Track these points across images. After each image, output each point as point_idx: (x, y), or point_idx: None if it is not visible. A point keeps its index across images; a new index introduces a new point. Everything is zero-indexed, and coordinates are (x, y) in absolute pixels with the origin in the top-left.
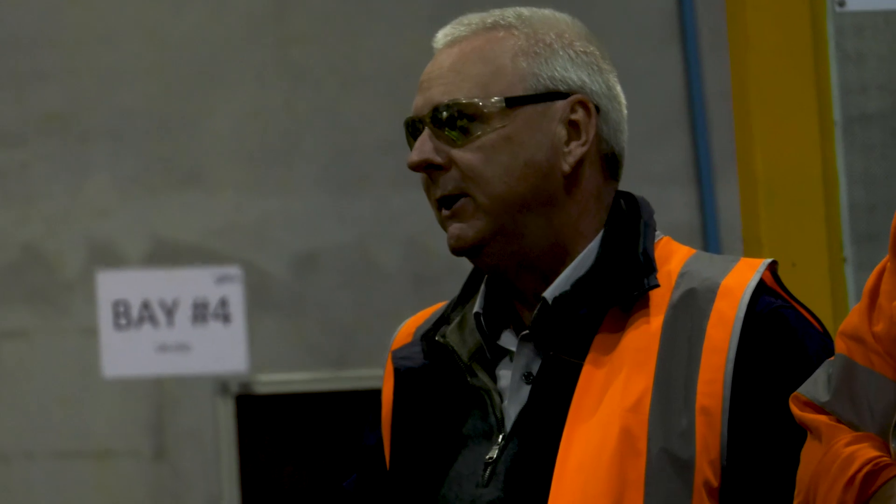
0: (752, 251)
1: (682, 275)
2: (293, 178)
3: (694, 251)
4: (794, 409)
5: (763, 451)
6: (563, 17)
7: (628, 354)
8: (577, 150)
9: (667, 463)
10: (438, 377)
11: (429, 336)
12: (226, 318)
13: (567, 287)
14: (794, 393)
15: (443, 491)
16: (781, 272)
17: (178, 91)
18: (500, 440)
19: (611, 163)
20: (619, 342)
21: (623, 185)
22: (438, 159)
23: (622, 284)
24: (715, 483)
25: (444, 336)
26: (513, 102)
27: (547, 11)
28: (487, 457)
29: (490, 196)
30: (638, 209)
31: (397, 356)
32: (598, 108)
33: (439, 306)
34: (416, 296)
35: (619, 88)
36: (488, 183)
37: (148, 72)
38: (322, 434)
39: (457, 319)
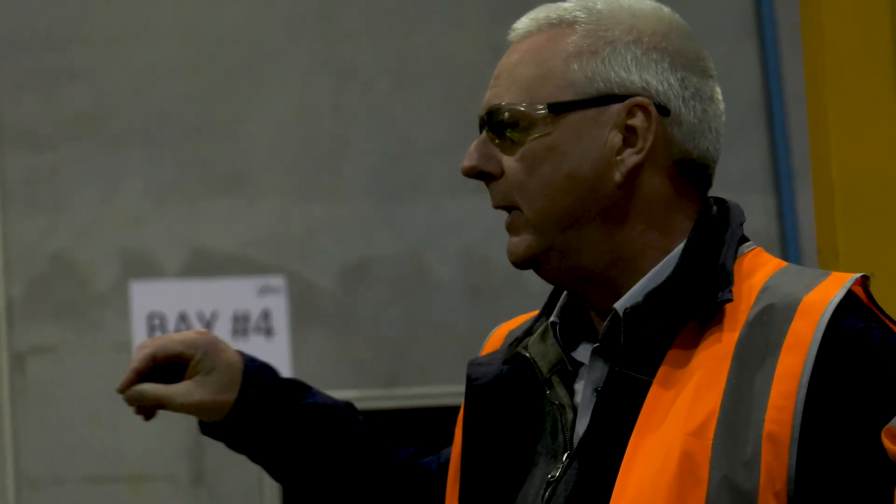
0: (826, 262)
1: (764, 289)
2: (341, 183)
3: (784, 264)
4: (888, 444)
5: (835, 484)
6: (642, 9)
7: (698, 374)
8: (630, 158)
9: (728, 493)
10: (517, 390)
11: (512, 347)
12: (268, 332)
13: (640, 299)
14: (888, 426)
15: None
16: None
17: (217, 91)
18: (564, 459)
19: (689, 169)
20: (691, 360)
21: None
22: (487, 167)
23: (695, 298)
24: None
25: (525, 347)
26: (558, 109)
27: (625, 1)
28: (549, 476)
29: (534, 210)
30: (728, 218)
31: (474, 365)
32: (667, 111)
33: (536, 313)
34: (472, 309)
35: (704, 85)
36: (531, 196)
37: (185, 71)
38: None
39: (539, 330)
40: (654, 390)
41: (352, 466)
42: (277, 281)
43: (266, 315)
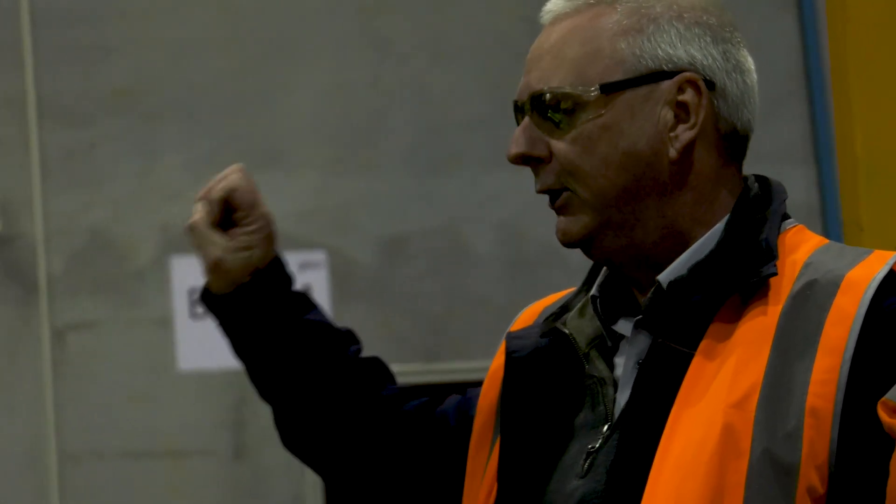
0: (851, 236)
1: (806, 265)
2: (379, 157)
3: (826, 241)
4: (883, 416)
5: (876, 458)
6: None
7: (741, 347)
8: (684, 134)
9: (769, 466)
10: (554, 364)
11: (549, 321)
12: None
13: (683, 271)
14: (883, 399)
15: (547, 482)
16: None
17: (254, 65)
18: (605, 430)
19: (733, 141)
20: (733, 333)
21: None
22: (536, 151)
23: (739, 271)
24: (821, 489)
25: (563, 323)
26: (610, 89)
27: None
28: (590, 446)
29: (591, 190)
30: (770, 194)
31: (512, 338)
32: (713, 85)
33: (571, 291)
34: (510, 283)
35: (742, 56)
36: (587, 176)
37: (222, 45)
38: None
39: (578, 305)
40: (696, 362)
41: (336, 390)
42: (318, 256)
43: (307, 289)
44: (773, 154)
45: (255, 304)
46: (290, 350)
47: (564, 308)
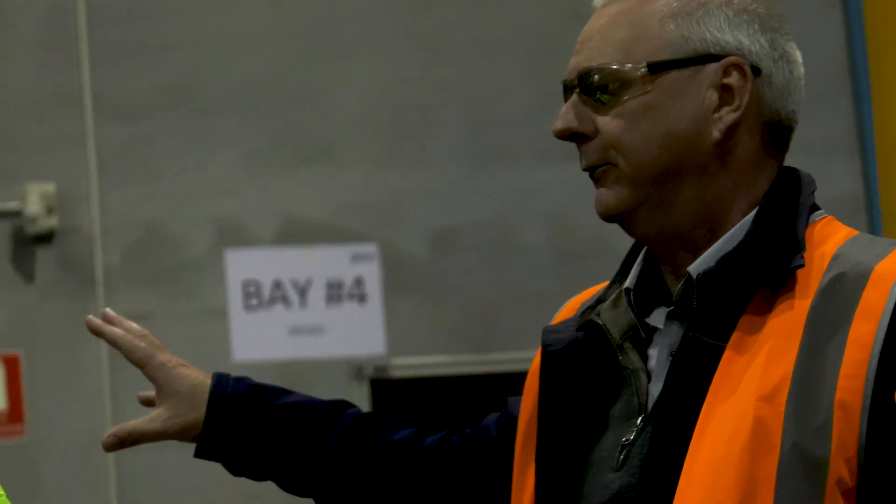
0: (891, 227)
1: (835, 257)
2: (430, 151)
3: (856, 233)
4: None
5: None
6: None
7: (771, 340)
8: (728, 116)
9: (799, 460)
10: (589, 356)
11: (584, 314)
12: (361, 299)
13: (712, 263)
14: None
15: (585, 474)
16: None
17: (306, 61)
18: (639, 422)
19: (775, 130)
20: (763, 326)
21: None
22: (582, 128)
23: (767, 264)
24: (850, 483)
25: (598, 314)
26: (656, 68)
27: None
28: (624, 439)
29: (632, 165)
30: (799, 186)
31: (548, 332)
32: (758, 71)
33: (607, 284)
34: (560, 274)
35: (789, 47)
36: (630, 152)
37: (276, 41)
38: (460, 419)
39: (612, 297)
40: (727, 355)
41: (343, 458)
42: (370, 248)
43: (359, 282)
44: (819, 147)
45: (226, 431)
46: (282, 442)
47: (599, 300)
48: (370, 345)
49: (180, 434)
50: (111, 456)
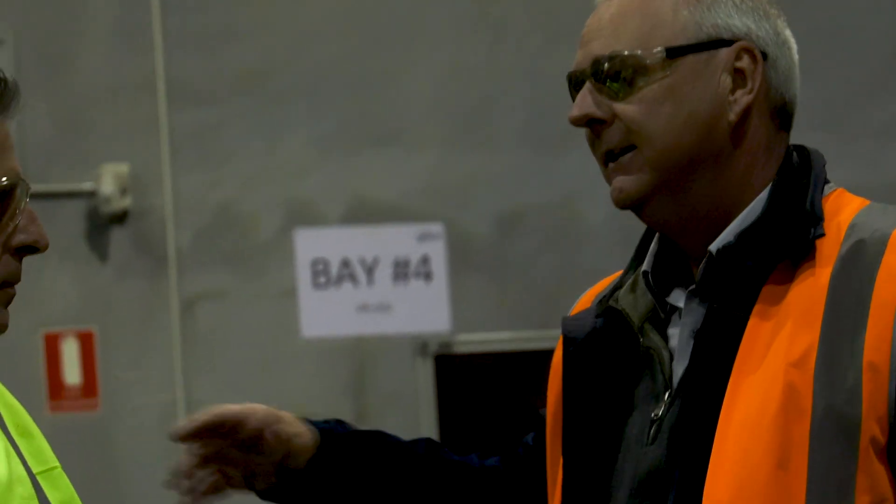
0: None
1: (852, 226)
2: (495, 135)
3: (868, 202)
4: None
5: None
6: None
7: (794, 308)
8: (743, 98)
9: (832, 421)
10: (610, 341)
11: (602, 301)
12: (427, 277)
13: (731, 238)
14: None
15: (612, 452)
16: None
17: (375, 47)
18: (666, 399)
19: (781, 113)
20: (786, 295)
21: (836, 140)
22: (600, 113)
23: (787, 235)
24: (882, 440)
25: (616, 300)
26: (674, 53)
27: None
28: (653, 415)
29: (656, 150)
30: (809, 161)
31: (567, 322)
32: (765, 56)
33: (620, 273)
34: (623, 255)
35: (788, 33)
36: (652, 136)
37: (344, 27)
38: (523, 394)
39: (629, 282)
40: (751, 326)
41: (420, 475)
42: (436, 228)
43: (425, 260)
44: (876, 131)
45: (334, 466)
46: (383, 484)
47: (616, 287)
48: (435, 322)
49: (287, 448)
50: None
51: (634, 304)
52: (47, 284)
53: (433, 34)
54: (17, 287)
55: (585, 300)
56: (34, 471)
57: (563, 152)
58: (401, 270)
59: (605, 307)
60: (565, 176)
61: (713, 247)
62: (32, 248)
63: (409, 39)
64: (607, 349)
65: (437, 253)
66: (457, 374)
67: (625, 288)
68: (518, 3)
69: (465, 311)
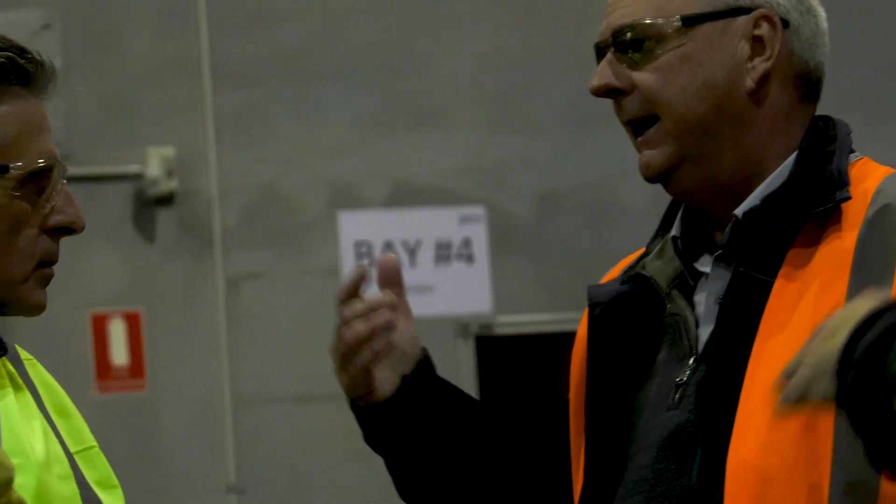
0: None
1: (878, 192)
2: (534, 116)
3: (892, 170)
4: None
5: None
6: None
7: (820, 270)
8: (761, 65)
9: None
10: (635, 308)
11: (629, 269)
12: (469, 259)
13: (757, 202)
14: None
15: (635, 417)
16: None
17: (414, 29)
18: (691, 363)
19: (806, 80)
20: (812, 258)
21: (869, 120)
22: (618, 83)
23: (813, 199)
24: None
25: (643, 266)
26: (690, 21)
27: None
28: (678, 379)
29: (673, 118)
30: (835, 129)
31: (592, 289)
32: (787, 24)
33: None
34: None
35: (815, 2)
36: (669, 104)
37: (383, 9)
38: (562, 375)
39: (656, 249)
40: (777, 289)
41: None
42: (477, 210)
43: (467, 242)
44: None
45: (421, 402)
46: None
47: (642, 256)
48: (477, 303)
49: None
50: (227, 409)
51: (662, 270)
52: (94, 266)
53: (472, 15)
54: (65, 269)
55: (613, 272)
56: (72, 450)
57: (601, 133)
58: (443, 252)
59: (633, 274)
60: (604, 156)
61: (739, 211)
62: (69, 230)
63: (448, 21)
64: (632, 315)
65: (479, 235)
66: (497, 354)
67: (652, 254)
68: None
69: (505, 293)
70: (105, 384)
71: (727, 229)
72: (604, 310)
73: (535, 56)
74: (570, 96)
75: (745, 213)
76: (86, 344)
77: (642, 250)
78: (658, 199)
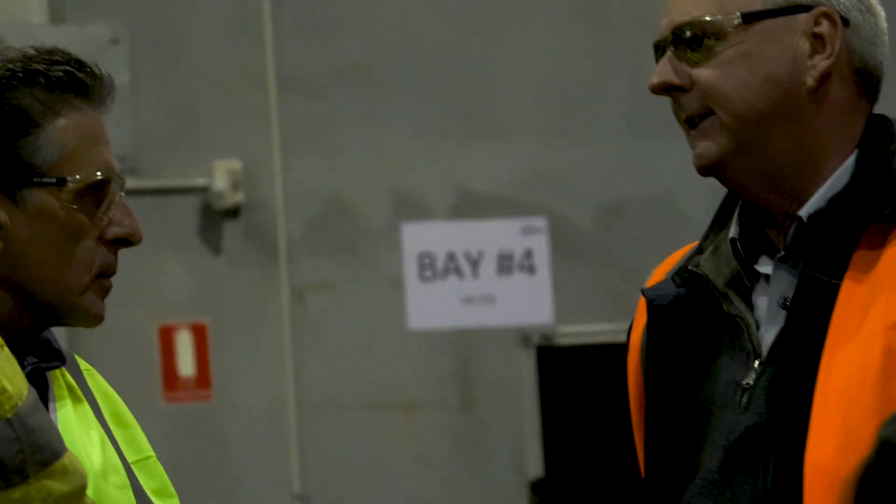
0: None
1: None
2: (597, 126)
3: None
4: None
5: None
6: None
7: (889, 272)
8: (821, 63)
9: None
10: (691, 308)
11: (681, 268)
12: (531, 270)
13: (822, 204)
14: None
15: (697, 419)
16: None
17: (478, 39)
18: (756, 366)
19: (865, 79)
20: (879, 260)
21: None
22: (677, 80)
23: (879, 200)
24: None
25: (697, 265)
26: (750, 18)
27: None
28: (744, 382)
29: (731, 113)
30: (893, 128)
31: (649, 291)
32: (847, 22)
33: (692, 246)
34: None
35: (874, 1)
36: (728, 100)
37: (448, 20)
38: (622, 384)
39: (710, 248)
40: (845, 291)
41: None
42: (539, 221)
43: (529, 254)
44: None
45: None
46: None
47: (693, 255)
48: (538, 313)
49: None
50: (293, 418)
51: (718, 269)
52: (162, 278)
53: (536, 26)
54: (134, 280)
55: (659, 273)
56: (129, 460)
57: (663, 142)
58: (505, 263)
59: (687, 273)
60: (665, 166)
61: (804, 212)
62: (127, 241)
63: (512, 32)
64: (688, 315)
65: (541, 246)
66: (558, 363)
67: (706, 253)
68: None
69: (566, 303)
70: (172, 394)
71: (790, 231)
72: (662, 310)
73: (598, 66)
74: (632, 106)
75: (811, 216)
76: (153, 354)
77: (686, 249)
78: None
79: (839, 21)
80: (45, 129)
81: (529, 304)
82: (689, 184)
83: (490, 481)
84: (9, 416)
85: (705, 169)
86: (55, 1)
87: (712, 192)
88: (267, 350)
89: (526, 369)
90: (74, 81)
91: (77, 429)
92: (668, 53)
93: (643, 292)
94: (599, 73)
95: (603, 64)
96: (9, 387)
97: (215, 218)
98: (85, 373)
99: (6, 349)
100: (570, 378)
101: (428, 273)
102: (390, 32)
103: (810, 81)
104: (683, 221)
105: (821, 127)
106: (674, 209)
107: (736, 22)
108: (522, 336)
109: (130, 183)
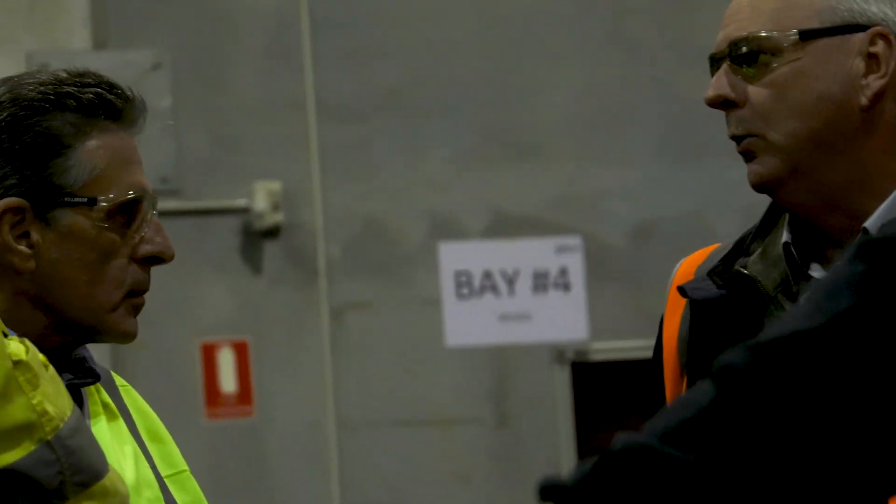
0: None
1: None
2: (630, 149)
3: None
4: None
5: None
6: None
7: None
8: (875, 82)
9: None
10: (736, 309)
11: (723, 269)
12: (565, 288)
13: (885, 220)
14: None
15: None
16: None
17: (513, 65)
18: None
19: None
20: None
21: None
22: (733, 94)
23: None
24: None
25: (744, 266)
26: (807, 35)
27: None
28: None
29: (783, 133)
30: None
31: (690, 287)
32: None
33: (715, 247)
34: None
35: None
36: (780, 119)
37: (483, 47)
38: (656, 401)
39: (758, 251)
40: None
41: None
42: (573, 240)
43: (563, 272)
44: None
45: None
46: None
47: (732, 255)
48: (573, 330)
49: None
50: (333, 435)
51: (767, 272)
52: (204, 297)
53: (569, 52)
54: (176, 299)
55: (684, 272)
56: (163, 474)
57: (695, 165)
58: (540, 282)
59: (733, 273)
60: (697, 187)
61: (870, 225)
62: (158, 259)
63: (546, 58)
64: (734, 317)
65: (575, 264)
66: (593, 380)
67: (754, 256)
68: (651, 23)
69: (601, 320)
70: (214, 411)
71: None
72: (706, 309)
73: (630, 91)
74: (664, 129)
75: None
76: (196, 372)
77: (711, 249)
78: (749, 228)
79: (894, 41)
80: (75, 151)
81: (564, 321)
82: (718, 204)
83: (526, 497)
84: (49, 437)
85: (759, 187)
86: (98, 27)
87: (741, 211)
88: (307, 368)
89: (561, 385)
90: (105, 104)
91: (111, 444)
92: (724, 67)
93: (681, 288)
94: (631, 98)
95: (635, 89)
96: (50, 409)
97: (256, 238)
98: (121, 388)
99: (51, 368)
100: (605, 394)
101: (465, 291)
102: (426, 60)
103: (864, 101)
104: (713, 240)
105: (875, 147)
106: (704, 228)
107: (793, 39)
108: (557, 352)
109: (172, 204)
